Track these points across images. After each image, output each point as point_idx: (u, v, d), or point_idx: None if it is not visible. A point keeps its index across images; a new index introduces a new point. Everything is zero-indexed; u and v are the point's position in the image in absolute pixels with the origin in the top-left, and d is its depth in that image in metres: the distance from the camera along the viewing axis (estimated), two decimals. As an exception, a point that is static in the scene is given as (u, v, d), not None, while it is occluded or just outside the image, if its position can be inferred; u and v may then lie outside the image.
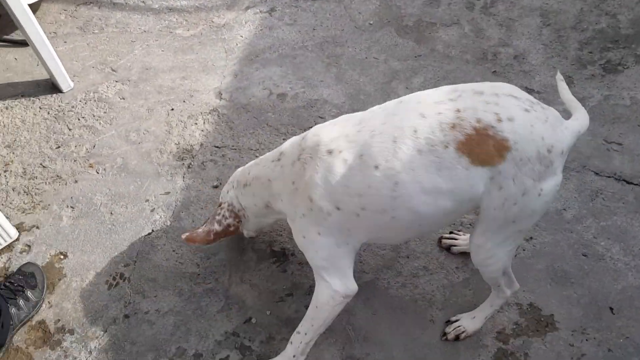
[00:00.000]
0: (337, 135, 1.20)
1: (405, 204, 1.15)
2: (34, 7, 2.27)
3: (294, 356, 1.38)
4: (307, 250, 1.29)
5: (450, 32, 2.33)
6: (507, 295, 1.40)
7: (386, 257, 1.63)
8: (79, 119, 2.06)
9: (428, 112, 1.13)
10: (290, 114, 2.07)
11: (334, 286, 1.28)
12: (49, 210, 1.78)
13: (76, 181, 1.87)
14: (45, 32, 2.00)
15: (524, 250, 1.63)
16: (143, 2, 2.45)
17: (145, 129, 2.02)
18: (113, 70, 2.21)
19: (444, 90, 1.18)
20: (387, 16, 2.38)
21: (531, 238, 1.65)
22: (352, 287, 1.29)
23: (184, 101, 2.11)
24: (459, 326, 1.46)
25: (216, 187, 1.83)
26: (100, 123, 2.05)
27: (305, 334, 1.34)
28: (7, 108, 2.10)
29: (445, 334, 1.47)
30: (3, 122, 2.06)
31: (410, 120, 1.13)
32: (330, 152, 1.19)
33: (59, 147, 1.97)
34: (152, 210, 1.76)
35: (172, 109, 2.09)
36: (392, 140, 1.13)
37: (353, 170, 1.16)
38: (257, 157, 1.91)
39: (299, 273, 1.60)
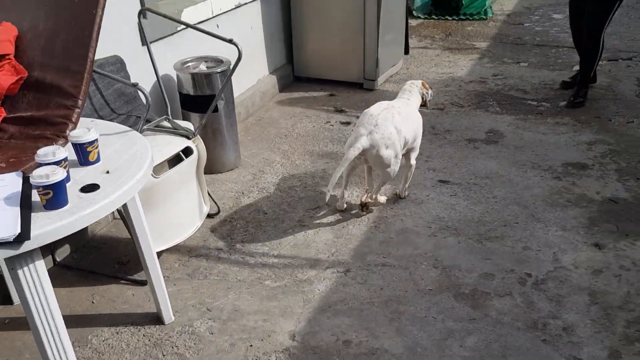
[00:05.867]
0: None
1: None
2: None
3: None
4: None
5: (503, 302, 2.60)
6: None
7: None
8: (172, 347, 2.42)
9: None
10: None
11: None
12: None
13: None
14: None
15: None
16: (242, 257, 2.97)
17: (226, 361, 2.32)
18: (208, 309, 2.63)
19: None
20: (446, 283, 2.72)
21: None
22: None
23: (262, 340, 2.44)
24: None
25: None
26: (189, 352, 2.39)
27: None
28: (117, 333, 2.51)
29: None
30: (112, 344, 2.45)
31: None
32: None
33: (152, 368, 2.29)
34: None
35: (251, 345, 2.41)
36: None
37: None
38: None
39: None
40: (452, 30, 7.02)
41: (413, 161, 3.35)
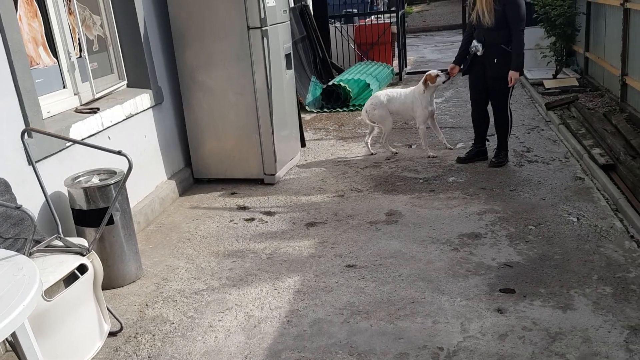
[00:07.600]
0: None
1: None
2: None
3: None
4: None
5: (420, 380, 2.62)
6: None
7: None
8: None
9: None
10: None
11: None
12: None
13: None
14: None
15: None
16: (151, 374, 2.81)
17: None
18: None
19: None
20: (363, 370, 2.71)
21: None
22: None
23: None
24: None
25: None
26: None
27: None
28: None
29: None
30: None
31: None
32: None
33: None
34: None
35: None
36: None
37: None
38: None
39: None
40: (344, 121, 7.41)
41: (418, 125, 5.68)
